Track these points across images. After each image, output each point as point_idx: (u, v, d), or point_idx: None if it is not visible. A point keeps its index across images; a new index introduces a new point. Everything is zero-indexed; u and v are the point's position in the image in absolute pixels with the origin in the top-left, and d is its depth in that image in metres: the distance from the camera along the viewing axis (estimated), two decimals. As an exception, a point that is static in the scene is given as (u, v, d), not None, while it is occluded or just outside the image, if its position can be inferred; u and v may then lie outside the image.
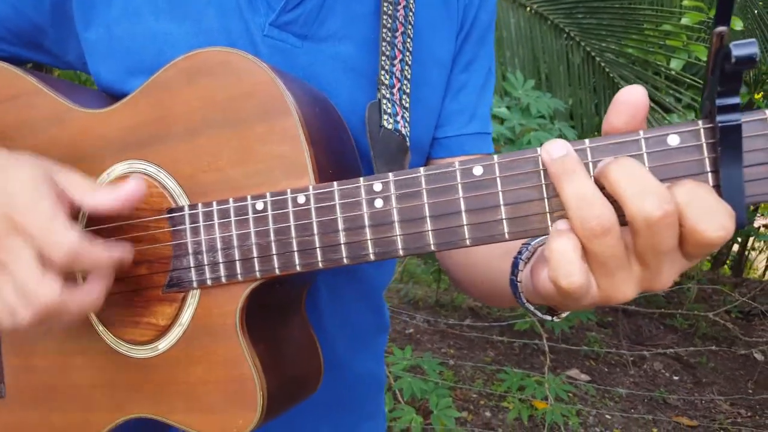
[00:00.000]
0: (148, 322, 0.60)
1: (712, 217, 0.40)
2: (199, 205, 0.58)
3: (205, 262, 0.57)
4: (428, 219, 0.50)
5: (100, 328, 0.62)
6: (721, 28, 0.38)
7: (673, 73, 3.16)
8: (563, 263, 0.42)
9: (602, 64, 3.23)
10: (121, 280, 0.61)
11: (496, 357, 3.37)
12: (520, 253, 0.56)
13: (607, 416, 2.85)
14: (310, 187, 0.54)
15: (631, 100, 0.43)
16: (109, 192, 0.54)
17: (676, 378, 3.34)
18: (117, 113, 0.63)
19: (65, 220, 0.52)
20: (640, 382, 3.26)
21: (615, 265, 0.43)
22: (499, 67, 3.13)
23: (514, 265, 0.56)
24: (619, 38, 3.28)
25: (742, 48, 0.37)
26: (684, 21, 3.20)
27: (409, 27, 0.71)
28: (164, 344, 0.59)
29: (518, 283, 0.55)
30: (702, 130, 0.43)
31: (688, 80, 3.19)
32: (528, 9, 3.30)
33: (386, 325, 0.89)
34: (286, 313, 0.65)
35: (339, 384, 0.77)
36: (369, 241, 0.52)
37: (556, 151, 0.44)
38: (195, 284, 0.58)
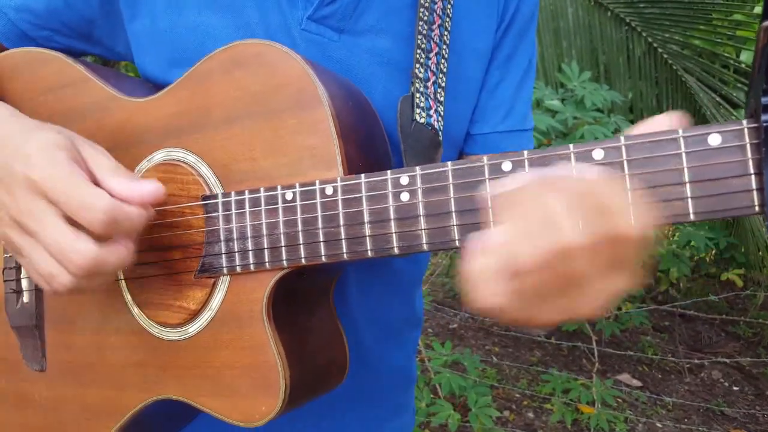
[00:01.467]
0: (180, 306, 0.61)
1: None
2: (232, 193, 0.59)
3: (236, 249, 0.58)
4: (454, 214, 0.49)
5: (135, 310, 0.64)
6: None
7: (743, 66, 2.99)
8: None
9: (665, 56, 3.09)
10: (156, 263, 0.63)
11: (543, 357, 3.30)
12: None
13: (658, 425, 2.73)
14: (338, 179, 0.54)
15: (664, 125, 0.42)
16: (129, 183, 0.53)
17: (736, 389, 3.17)
18: (158, 102, 0.64)
19: (90, 183, 0.51)
20: (696, 391, 3.11)
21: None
22: (555, 59, 3.05)
23: None
24: (684, 29, 3.12)
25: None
26: (757, 10, 3.02)
27: (447, 20, 0.70)
28: (194, 328, 0.61)
29: None
30: (746, 130, 0.40)
31: (759, 73, 3.00)
32: (587, -2, 3.19)
33: (419, 320, 0.88)
34: (312, 303, 0.65)
35: (367, 377, 0.77)
36: (394, 235, 0.51)
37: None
38: (225, 270, 0.59)
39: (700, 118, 3.11)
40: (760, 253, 2.92)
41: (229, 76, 0.60)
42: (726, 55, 3.02)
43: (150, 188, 0.53)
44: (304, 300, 0.64)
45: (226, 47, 0.60)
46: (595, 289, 0.41)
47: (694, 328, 3.73)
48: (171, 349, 0.62)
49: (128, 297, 0.65)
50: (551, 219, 0.39)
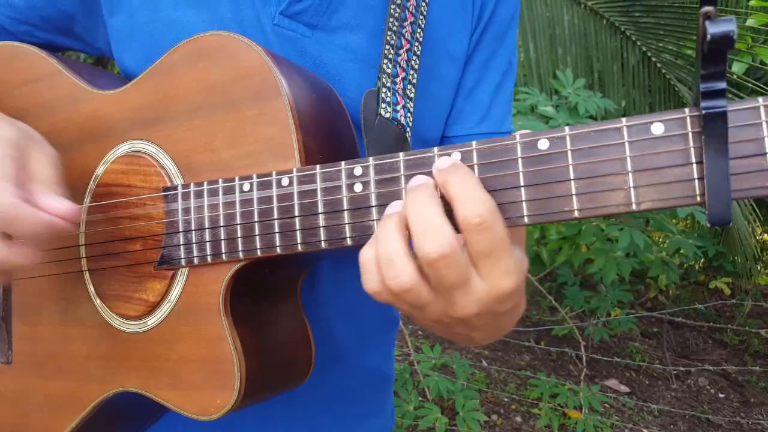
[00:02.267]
0: (140, 298, 0.61)
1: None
2: (191, 184, 0.59)
3: (194, 241, 0.58)
4: (406, 205, 0.49)
5: (98, 302, 0.64)
6: (707, 8, 0.35)
7: (735, 77, 3.00)
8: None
9: (659, 65, 3.11)
10: (117, 254, 0.63)
11: (532, 362, 3.30)
12: None
13: (644, 431, 2.73)
14: (294, 170, 0.54)
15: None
16: (48, 199, 0.55)
17: (721, 396, 3.17)
18: (124, 95, 0.65)
19: (8, 185, 0.53)
20: (683, 397, 3.11)
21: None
22: (550, 65, 3.06)
23: None
24: (678, 38, 3.15)
25: (718, 25, 0.34)
26: (749, 23, 3.04)
27: (421, 17, 0.69)
28: (153, 320, 0.61)
29: None
30: (688, 119, 0.40)
31: (750, 85, 3.03)
32: (583, 6, 3.21)
33: (395, 320, 0.87)
34: (276, 298, 0.65)
35: (342, 377, 0.77)
36: (347, 225, 0.51)
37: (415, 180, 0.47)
38: (184, 262, 0.59)
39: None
40: (748, 262, 2.94)
41: (192, 68, 0.60)
42: (718, 65, 3.03)
43: (61, 208, 0.55)
44: (267, 294, 0.63)
45: (190, 39, 0.61)
46: (452, 298, 0.45)
47: (681, 335, 3.73)
48: (130, 342, 0.62)
49: (91, 288, 0.65)
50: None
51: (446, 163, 0.46)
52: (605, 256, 2.46)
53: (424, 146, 0.74)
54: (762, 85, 2.98)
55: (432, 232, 0.42)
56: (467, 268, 0.44)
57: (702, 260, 3.77)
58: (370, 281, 0.46)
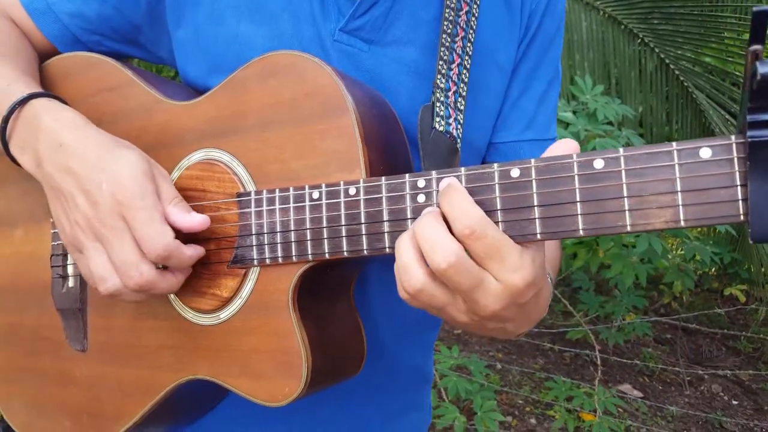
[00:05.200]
0: (213, 293, 0.67)
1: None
2: (264, 191, 0.64)
3: (266, 243, 0.63)
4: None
5: (171, 297, 0.70)
6: (755, 47, 0.40)
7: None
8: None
9: (676, 72, 3.13)
10: (191, 254, 0.68)
11: (546, 365, 3.33)
12: None
13: (658, 434, 2.76)
14: (361, 181, 0.59)
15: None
16: (183, 215, 0.63)
17: (735, 402, 3.19)
18: (198, 106, 0.70)
19: (162, 219, 0.61)
20: (696, 403, 3.13)
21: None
22: (568, 71, 3.08)
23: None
24: (696, 46, 3.16)
25: (767, 66, 0.39)
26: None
27: (471, 32, 0.74)
28: (225, 314, 0.66)
29: None
30: (734, 145, 0.44)
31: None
32: (601, 12, 3.23)
33: (436, 321, 0.91)
34: (334, 297, 0.70)
35: (385, 371, 0.81)
36: (411, 233, 0.56)
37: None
38: (255, 262, 0.64)
39: (709, 134, 3.13)
40: (763, 269, 2.95)
41: (263, 84, 0.65)
42: (737, 73, 3.05)
43: (198, 221, 0.63)
44: (327, 293, 0.69)
45: (262, 57, 0.66)
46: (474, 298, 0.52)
47: (695, 341, 3.75)
48: (203, 333, 0.67)
49: (164, 284, 0.71)
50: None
51: (441, 185, 0.53)
52: (622, 261, 2.49)
53: (473, 153, 0.80)
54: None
55: (438, 247, 0.50)
56: (479, 272, 0.51)
57: (716, 267, 3.78)
58: (398, 288, 0.55)
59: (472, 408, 2.30)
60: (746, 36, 2.96)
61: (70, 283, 0.75)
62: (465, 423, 2.18)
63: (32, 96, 0.67)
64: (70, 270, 0.75)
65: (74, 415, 0.76)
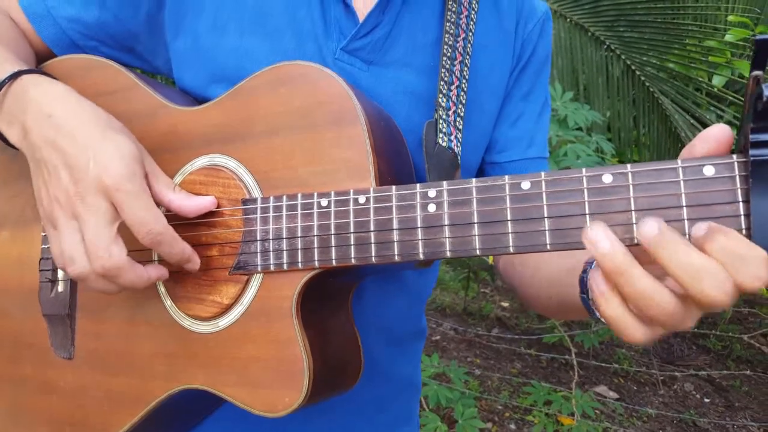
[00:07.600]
0: (213, 300, 0.65)
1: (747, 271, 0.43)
2: (271, 198, 0.63)
3: (271, 249, 0.62)
4: (476, 225, 0.54)
5: (168, 302, 0.67)
6: (757, 73, 0.41)
7: (715, 89, 3.12)
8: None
9: (642, 78, 3.21)
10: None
11: (523, 369, 3.36)
12: (584, 271, 0.60)
13: (634, 435, 2.81)
14: (371, 189, 0.59)
15: (719, 136, 0.47)
16: (186, 198, 0.62)
17: (707, 400, 3.27)
18: (204, 112, 0.70)
19: (153, 203, 0.58)
20: (670, 402, 3.20)
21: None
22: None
23: (582, 283, 0.59)
24: (660, 52, 3.25)
25: (771, 89, 0.40)
26: (728, 37, 3.16)
27: (467, 57, 0.77)
28: (225, 321, 0.64)
29: (590, 301, 0.58)
30: (736, 163, 0.46)
31: (730, 97, 3.14)
32: (569, 20, 3.31)
33: (423, 333, 0.93)
34: (334, 306, 0.69)
35: (376, 384, 0.81)
36: (420, 242, 0.56)
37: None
38: (259, 268, 0.63)
39: (674, 138, 3.22)
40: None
41: (273, 92, 0.65)
42: (699, 78, 3.15)
43: (207, 202, 0.62)
44: (328, 302, 0.68)
45: (273, 67, 0.66)
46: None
47: (666, 341, 3.84)
48: (200, 341, 0.65)
49: (162, 289, 0.68)
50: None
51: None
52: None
53: (467, 171, 0.82)
54: (740, 97, 3.11)
55: (705, 275, 0.44)
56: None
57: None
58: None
59: (452, 416, 2.30)
60: (708, 43, 3.06)
61: (60, 287, 0.72)
62: (447, 431, 2.17)
63: (22, 72, 0.66)
64: (60, 274, 0.72)
65: (55, 425, 0.72)
